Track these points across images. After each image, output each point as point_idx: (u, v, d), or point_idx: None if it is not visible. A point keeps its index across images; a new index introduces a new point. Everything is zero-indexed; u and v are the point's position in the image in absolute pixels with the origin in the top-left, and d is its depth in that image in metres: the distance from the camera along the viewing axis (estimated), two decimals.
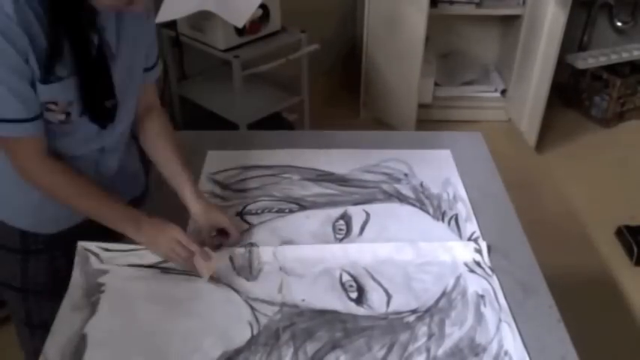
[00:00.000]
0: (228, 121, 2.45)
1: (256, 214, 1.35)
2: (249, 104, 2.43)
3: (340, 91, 3.49)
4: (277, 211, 1.36)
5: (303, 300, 1.14)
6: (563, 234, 2.59)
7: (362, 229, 1.32)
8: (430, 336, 1.08)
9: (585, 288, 2.30)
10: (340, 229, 1.31)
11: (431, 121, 3.31)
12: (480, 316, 1.12)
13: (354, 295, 1.16)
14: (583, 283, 2.33)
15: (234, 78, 2.31)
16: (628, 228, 2.54)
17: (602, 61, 3.35)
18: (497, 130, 3.34)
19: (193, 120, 2.67)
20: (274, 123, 2.64)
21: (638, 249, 2.43)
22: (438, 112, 3.37)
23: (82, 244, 1.19)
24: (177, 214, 1.23)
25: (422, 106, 3.19)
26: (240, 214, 1.35)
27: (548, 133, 3.22)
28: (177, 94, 2.64)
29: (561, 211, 2.76)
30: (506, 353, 1.05)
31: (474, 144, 1.66)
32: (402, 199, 1.42)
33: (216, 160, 1.52)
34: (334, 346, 1.05)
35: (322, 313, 1.12)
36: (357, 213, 1.36)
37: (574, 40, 3.48)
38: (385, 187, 1.45)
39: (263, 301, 1.13)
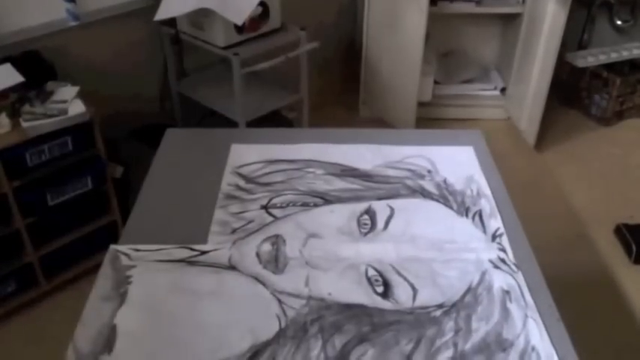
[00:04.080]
0: (228, 118, 2.45)
1: (281, 207, 1.37)
2: (248, 102, 2.43)
3: (340, 89, 3.48)
4: (302, 205, 1.37)
5: (330, 294, 1.15)
6: (562, 232, 2.59)
7: (386, 223, 1.33)
8: (457, 331, 1.08)
9: (584, 287, 2.30)
10: (365, 224, 1.32)
11: (430, 119, 3.31)
12: (506, 312, 1.13)
13: (380, 289, 1.17)
14: (582, 281, 2.33)
15: (233, 76, 2.31)
16: (627, 226, 2.54)
17: (602, 59, 3.34)
18: (496, 128, 3.34)
19: (193, 117, 2.67)
20: (274, 121, 2.64)
21: (637, 247, 2.43)
22: (437, 110, 3.37)
23: (113, 247, 1.23)
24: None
25: (421, 104, 3.18)
26: (265, 207, 1.37)
27: (547, 131, 3.22)
28: (176, 92, 2.64)
29: (560, 209, 2.76)
30: (533, 349, 1.05)
31: (474, 142, 1.65)
32: (425, 194, 1.43)
33: (241, 154, 1.55)
34: (362, 339, 1.06)
35: (349, 307, 1.13)
36: (381, 208, 1.37)
37: (574, 38, 3.47)
38: (409, 182, 1.46)
39: (290, 295, 1.14)
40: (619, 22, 3.52)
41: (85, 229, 2.18)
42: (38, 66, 2.08)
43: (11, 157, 1.86)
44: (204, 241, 1.26)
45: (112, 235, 2.19)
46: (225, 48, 2.30)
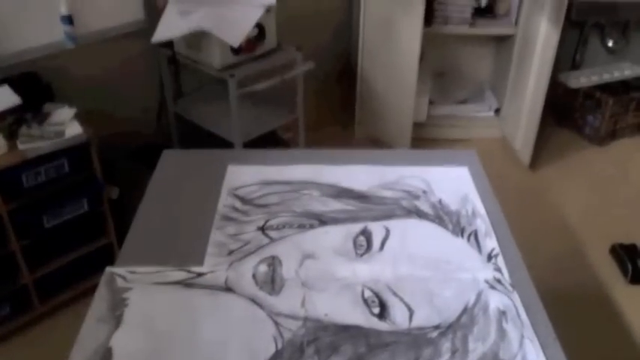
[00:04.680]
0: (224, 139, 2.46)
1: (277, 228, 1.37)
2: (244, 122, 2.44)
3: (335, 109, 3.50)
4: (298, 227, 1.38)
5: (326, 315, 1.15)
6: (558, 252, 2.60)
7: (382, 244, 1.34)
8: (454, 352, 1.08)
9: (581, 306, 2.30)
10: (361, 245, 1.33)
11: (426, 139, 3.33)
12: (502, 332, 1.13)
13: (376, 310, 1.17)
14: (578, 301, 2.33)
15: (230, 96, 2.32)
16: (622, 246, 2.55)
17: (595, 80, 3.38)
18: (491, 147, 3.36)
19: (189, 138, 2.68)
20: (269, 141, 2.65)
21: (633, 267, 2.44)
22: (432, 130, 3.39)
23: (109, 269, 1.22)
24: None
25: (417, 124, 3.21)
26: (262, 229, 1.37)
27: (542, 150, 3.24)
28: (173, 112, 2.65)
29: (555, 228, 2.77)
30: None
31: (469, 162, 1.66)
32: (421, 215, 1.44)
33: (237, 175, 1.56)
34: None
35: (346, 328, 1.13)
36: (377, 229, 1.38)
37: (567, 59, 3.52)
38: (404, 203, 1.47)
39: (286, 316, 1.14)
40: (611, 43, 3.57)
41: (81, 251, 2.18)
42: (36, 88, 2.09)
43: (7, 178, 1.86)
44: (201, 263, 1.26)
45: (107, 257, 2.18)
46: (222, 69, 2.32)
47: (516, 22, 3.16)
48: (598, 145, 3.43)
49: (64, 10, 2.13)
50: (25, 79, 2.08)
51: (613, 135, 3.46)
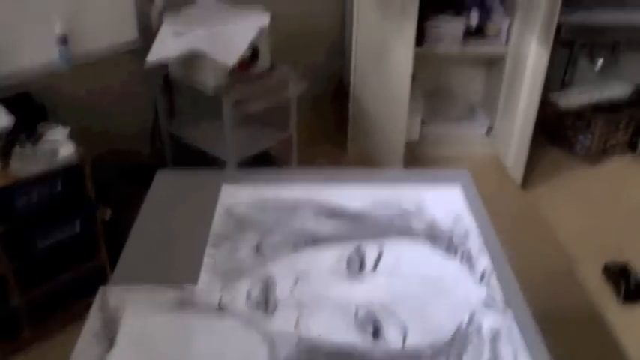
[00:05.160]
0: (218, 158, 2.46)
1: (271, 248, 1.38)
2: (238, 142, 2.45)
3: (328, 128, 3.52)
4: (292, 246, 1.39)
5: (320, 335, 1.15)
6: (551, 270, 2.60)
7: (376, 263, 1.35)
8: None
9: (574, 325, 2.30)
10: (354, 264, 1.34)
11: (418, 158, 3.35)
12: (496, 352, 1.13)
13: (370, 329, 1.17)
14: (572, 320, 2.33)
15: (224, 116, 2.33)
16: (614, 265, 2.56)
17: (585, 99, 3.42)
18: (483, 166, 3.38)
19: (183, 158, 2.68)
20: (263, 160, 2.65)
21: (626, 287, 2.44)
22: (425, 149, 3.41)
23: (103, 288, 1.23)
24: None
25: (409, 143, 3.23)
26: (256, 248, 1.38)
27: (534, 169, 3.27)
28: (167, 132, 2.66)
29: (548, 247, 2.78)
30: None
31: (461, 181, 1.68)
32: (414, 234, 1.44)
33: (231, 194, 1.57)
34: None
35: (339, 348, 1.13)
36: (370, 248, 1.39)
37: (557, 78, 3.56)
38: (397, 222, 1.48)
39: (280, 336, 1.14)
40: (600, 63, 3.62)
41: (73, 273, 2.16)
42: (30, 108, 2.09)
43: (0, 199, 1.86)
44: (195, 282, 1.25)
45: (99, 279, 2.17)
46: (216, 89, 2.33)
47: (507, 43, 3.20)
48: (589, 164, 3.45)
49: (58, 31, 2.15)
50: (19, 100, 2.09)
51: (604, 153, 3.49)
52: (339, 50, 3.46)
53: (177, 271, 1.29)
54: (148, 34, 2.40)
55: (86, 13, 2.24)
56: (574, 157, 3.51)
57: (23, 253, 1.99)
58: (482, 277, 1.32)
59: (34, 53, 2.15)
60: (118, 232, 2.24)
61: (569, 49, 3.53)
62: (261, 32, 2.38)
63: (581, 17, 3.28)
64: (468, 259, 1.37)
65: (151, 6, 2.38)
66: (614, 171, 3.41)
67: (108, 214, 2.20)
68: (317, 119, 3.44)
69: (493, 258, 1.39)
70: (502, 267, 1.36)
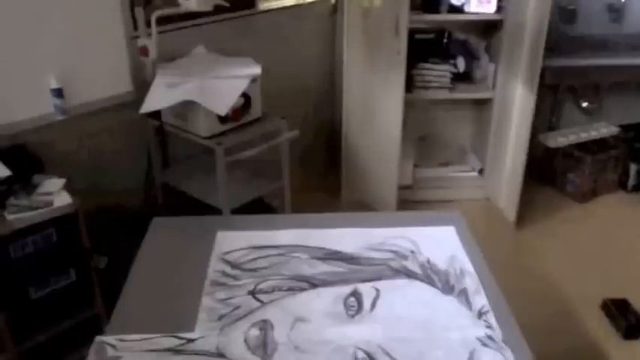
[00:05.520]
0: (211, 206, 2.47)
1: (267, 292, 1.38)
2: (231, 190, 2.46)
3: (321, 175, 3.55)
4: (288, 290, 1.39)
5: None
6: (548, 309, 2.59)
7: (373, 305, 1.35)
8: None
9: None
10: (352, 306, 1.34)
11: (412, 201, 3.37)
12: None
13: None
14: (573, 359, 2.31)
15: (217, 165, 2.35)
16: (613, 301, 2.55)
17: (572, 139, 3.49)
18: (477, 208, 3.40)
19: (177, 206, 2.69)
20: (256, 207, 2.66)
21: (627, 322, 2.43)
22: (418, 192, 3.44)
23: (99, 338, 1.22)
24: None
25: (402, 187, 3.25)
26: (252, 293, 1.38)
27: (526, 209, 3.29)
28: (160, 181, 2.67)
29: (544, 286, 2.78)
30: None
31: (455, 223, 1.69)
32: (410, 275, 1.45)
33: (226, 240, 1.58)
34: None
35: None
36: (367, 290, 1.39)
37: (544, 119, 3.63)
38: (393, 264, 1.49)
39: None
40: (585, 104, 3.71)
41: (67, 322, 2.13)
42: (25, 159, 2.10)
43: None
44: (192, 329, 1.25)
45: (94, 328, 2.13)
46: (209, 138, 2.36)
47: (493, 87, 3.28)
48: (581, 202, 3.49)
49: (54, 84, 2.18)
50: (14, 151, 2.10)
51: (595, 192, 3.53)
52: (330, 99, 3.52)
53: (173, 318, 1.29)
54: (141, 85, 2.45)
55: (81, 66, 2.29)
56: (566, 195, 3.55)
57: (17, 302, 1.97)
58: (479, 314, 1.32)
59: (29, 105, 2.17)
60: (113, 281, 2.22)
61: (555, 91, 3.61)
62: (253, 82, 2.43)
63: (563, 62, 3.37)
64: (465, 299, 1.37)
65: (144, 58, 2.44)
66: (605, 209, 3.45)
67: (103, 262, 2.19)
68: (309, 166, 3.47)
69: (490, 297, 1.39)
70: (499, 306, 1.36)
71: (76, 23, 2.24)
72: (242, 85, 2.36)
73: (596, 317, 2.56)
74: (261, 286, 1.40)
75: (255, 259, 1.51)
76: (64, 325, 2.13)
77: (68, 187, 2.03)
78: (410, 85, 3.14)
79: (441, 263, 1.50)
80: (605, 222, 3.31)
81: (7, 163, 1.97)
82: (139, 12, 2.42)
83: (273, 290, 1.39)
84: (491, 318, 1.30)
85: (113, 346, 1.20)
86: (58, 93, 2.20)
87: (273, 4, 3.02)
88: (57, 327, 2.11)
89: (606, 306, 2.57)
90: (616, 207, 3.46)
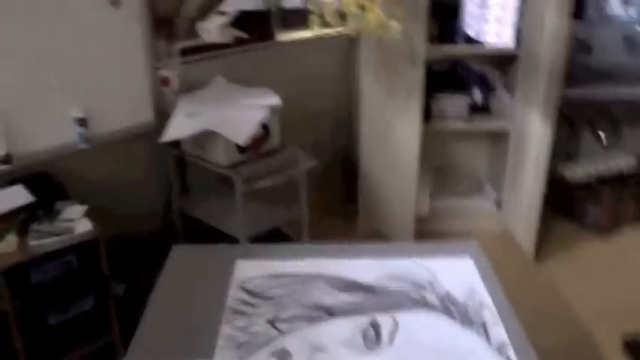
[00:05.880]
0: (229, 235, 2.48)
1: (286, 321, 1.38)
2: (249, 219, 2.48)
3: (338, 204, 3.55)
4: (307, 319, 1.39)
5: None
6: (568, 343, 2.55)
7: (391, 337, 1.34)
8: None
9: None
10: (370, 338, 1.34)
11: (428, 232, 3.35)
12: None
13: None
14: None
15: (235, 193, 2.37)
16: (636, 340, 2.50)
17: (591, 171, 3.46)
18: (494, 240, 3.37)
19: (195, 235, 2.71)
20: (274, 236, 2.67)
21: None
22: (435, 223, 3.42)
23: None
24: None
25: (419, 218, 3.24)
26: (271, 322, 1.38)
27: (545, 242, 3.26)
28: (179, 209, 2.70)
29: (564, 319, 2.73)
30: None
31: (472, 254, 1.68)
32: (428, 306, 1.44)
33: (245, 269, 1.59)
34: None
35: None
36: (385, 321, 1.39)
37: (562, 151, 3.62)
38: (411, 294, 1.49)
39: None
40: (603, 136, 3.69)
41: (83, 350, 2.14)
42: (48, 186, 2.15)
43: (16, 275, 1.87)
44: (211, 357, 1.25)
45: (110, 356, 2.14)
46: (228, 167, 2.39)
47: (510, 119, 3.28)
48: (600, 235, 3.44)
49: (78, 113, 2.23)
50: (38, 179, 2.14)
51: (614, 224, 3.48)
52: (347, 128, 3.55)
53: (192, 346, 1.29)
54: (162, 114, 2.49)
55: (105, 96, 2.34)
56: (584, 228, 3.51)
57: (36, 328, 1.98)
58: (499, 349, 1.30)
59: (53, 134, 2.22)
60: (130, 308, 2.23)
61: (572, 123, 3.61)
62: (272, 112, 2.46)
63: (580, 94, 3.37)
64: (485, 332, 1.36)
65: (166, 88, 2.48)
66: (625, 242, 3.40)
67: (121, 289, 2.20)
68: (326, 195, 3.48)
69: (509, 330, 1.38)
70: (519, 339, 1.35)
71: (101, 54, 2.30)
72: (261, 115, 2.40)
73: (617, 353, 2.51)
74: (280, 315, 1.40)
75: (274, 287, 1.51)
76: (81, 352, 2.13)
77: (90, 215, 2.06)
78: (427, 115, 3.16)
79: (459, 295, 1.49)
80: (625, 256, 3.26)
81: (31, 190, 2.01)
82: (161, 43, 2.48)
83: (292, 319, 1.39)
84: (511, 352, 1.29)
85: None
86: (82, 122, 2.24)
87: (292, 37, 3.07)
88: (73, 353, 2.12)
89: (629, 345, 2.51)
90: (636, 240, 3.41)
